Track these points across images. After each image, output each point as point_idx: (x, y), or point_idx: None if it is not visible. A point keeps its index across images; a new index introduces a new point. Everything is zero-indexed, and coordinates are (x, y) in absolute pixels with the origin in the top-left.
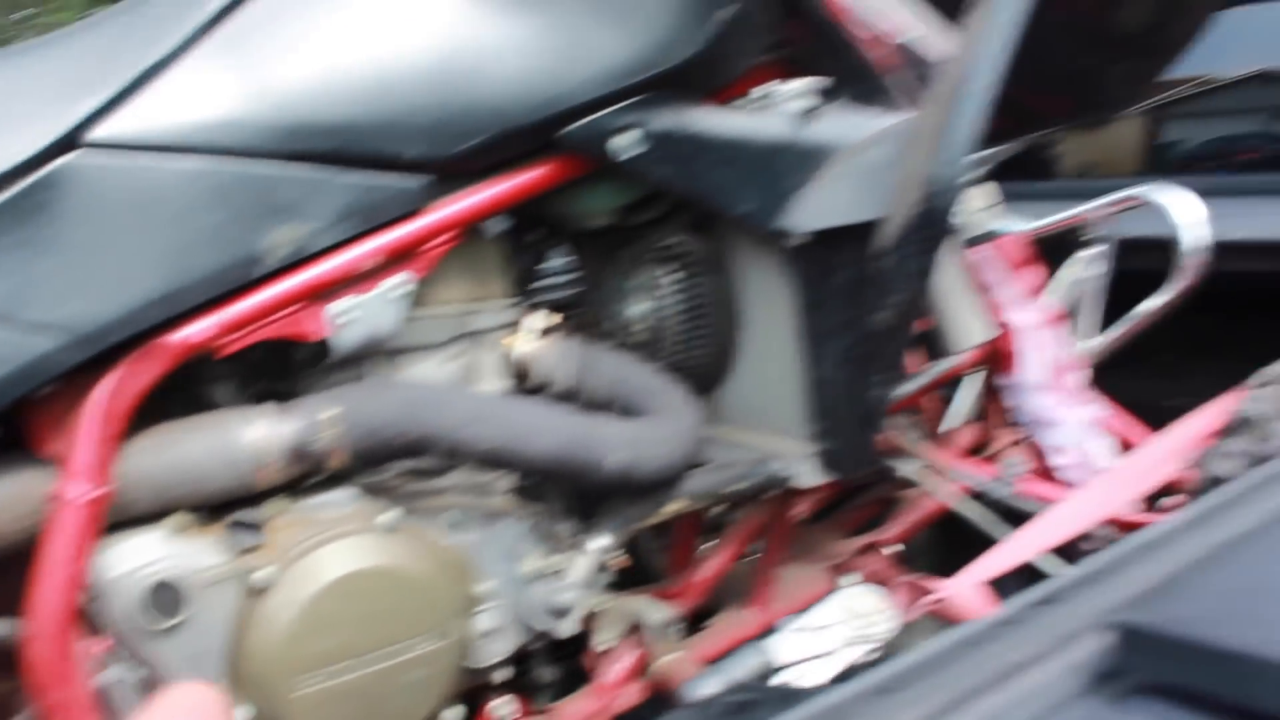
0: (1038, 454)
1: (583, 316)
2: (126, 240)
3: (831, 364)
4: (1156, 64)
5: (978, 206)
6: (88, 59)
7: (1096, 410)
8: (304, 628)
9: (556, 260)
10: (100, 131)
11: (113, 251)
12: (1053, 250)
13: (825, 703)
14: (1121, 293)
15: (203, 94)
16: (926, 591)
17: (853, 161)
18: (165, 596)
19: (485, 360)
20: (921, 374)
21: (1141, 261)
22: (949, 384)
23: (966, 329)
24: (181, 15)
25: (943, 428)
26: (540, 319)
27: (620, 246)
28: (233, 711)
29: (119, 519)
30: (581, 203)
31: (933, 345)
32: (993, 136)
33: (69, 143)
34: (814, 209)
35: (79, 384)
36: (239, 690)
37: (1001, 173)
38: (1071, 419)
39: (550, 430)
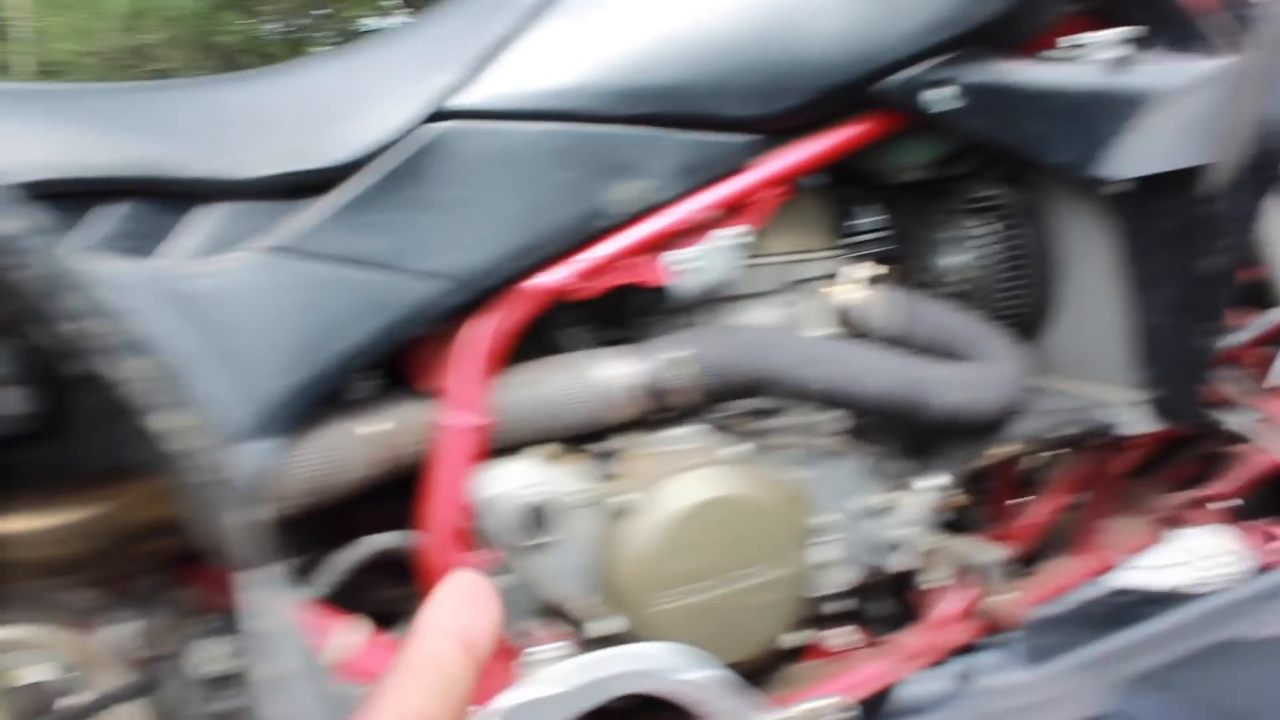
0: None
1: (899, 268)
2: (490, 198)
3: (1157, 311)
4: None
5: None
6: (443, 39)
7: None
8: (662, 549)
9: (872, 214)
10: (459, 102)
11: (479, 208)
12: None
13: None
14: None
15: (546, 64)
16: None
17: (1172, 108)
18: (538, 517)
19: (810, 308)
20: (1252, 325)
21: None
22: None
23: None
24: None
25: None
26: (861, 269)
27: (934, 199)
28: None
29: (494, 447)
30: (897, 157)
31: (1264, 297)
32: None
33: (434, 114)
34: (1134, 155)
35: (454, 326)
36: (605, 603)
37: None
38: None
39: (883, 371)
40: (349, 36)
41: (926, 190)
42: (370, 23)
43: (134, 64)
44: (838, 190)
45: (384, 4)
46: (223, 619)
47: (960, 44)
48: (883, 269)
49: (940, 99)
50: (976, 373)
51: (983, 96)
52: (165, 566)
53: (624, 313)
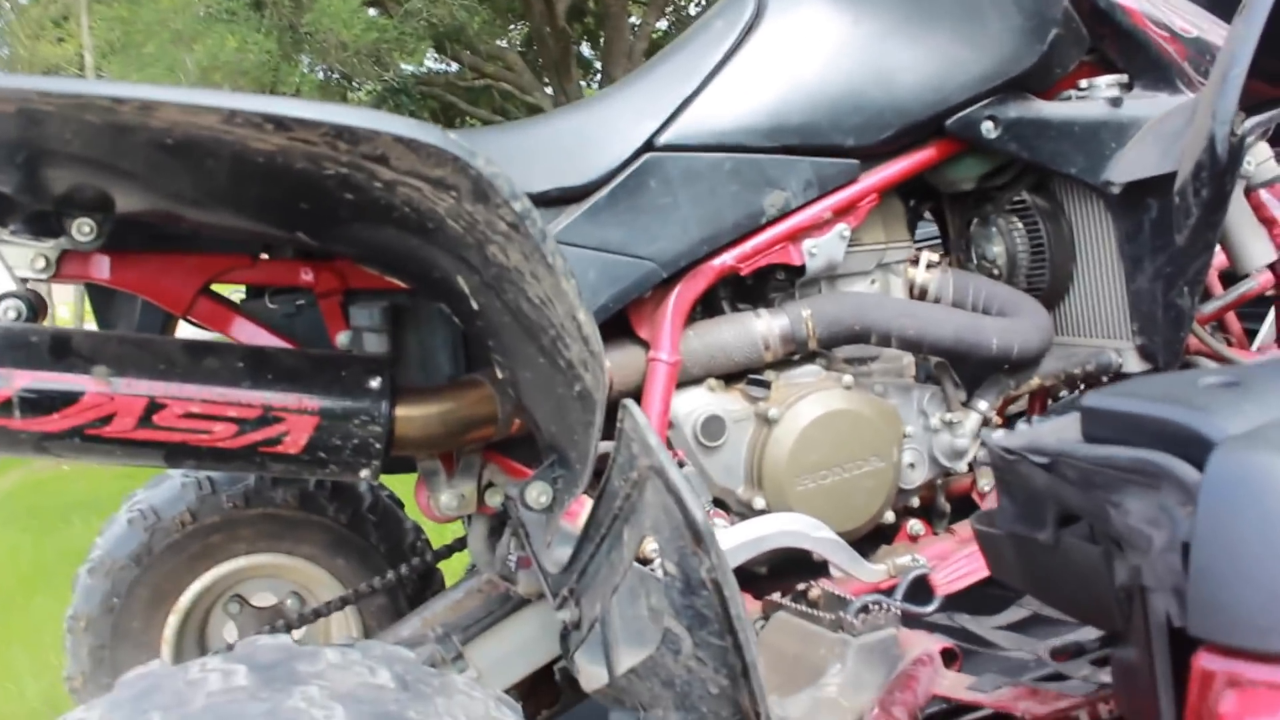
0: None
1: (955, 254)
2: (683, 205)
3: (1147, 278)
4: None
5: (1261, 157)
6: (645, 95)
7: None
8: (799, 447)
9: (936, 214)
10: (662, 140)
11: (676, 212)
12: None
13: None
14: None
15: (718, 112)
16: None
17: (1153, 131)
18: (712, 426)
19: (893, 283)
20: (1228, 293)
21: None
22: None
23: (1253, 252)
24: (703, 56)
25: (1256, 344)
26: (929, 255)
27: (981, 204)
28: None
29: (682, 380)
30: (955, 172)
31: (1231, 280)
32: (1269, 102)
33: (646, 148)
34: (1126, 165)
35: (660, 293)
36: (756, 488)
37: None
38: None
39: (952, 323)
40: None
41: (975, 196)
42: (408, 66)
43: None
44: (911, 197)
45: (416, 51)
46: (549, 470)
47: (1004, 89)
48: (941, 255)
49: (990, 129)
50: (1017, 324)
51: (1018, 127)
52: (478, 450)
53: (771, 284)
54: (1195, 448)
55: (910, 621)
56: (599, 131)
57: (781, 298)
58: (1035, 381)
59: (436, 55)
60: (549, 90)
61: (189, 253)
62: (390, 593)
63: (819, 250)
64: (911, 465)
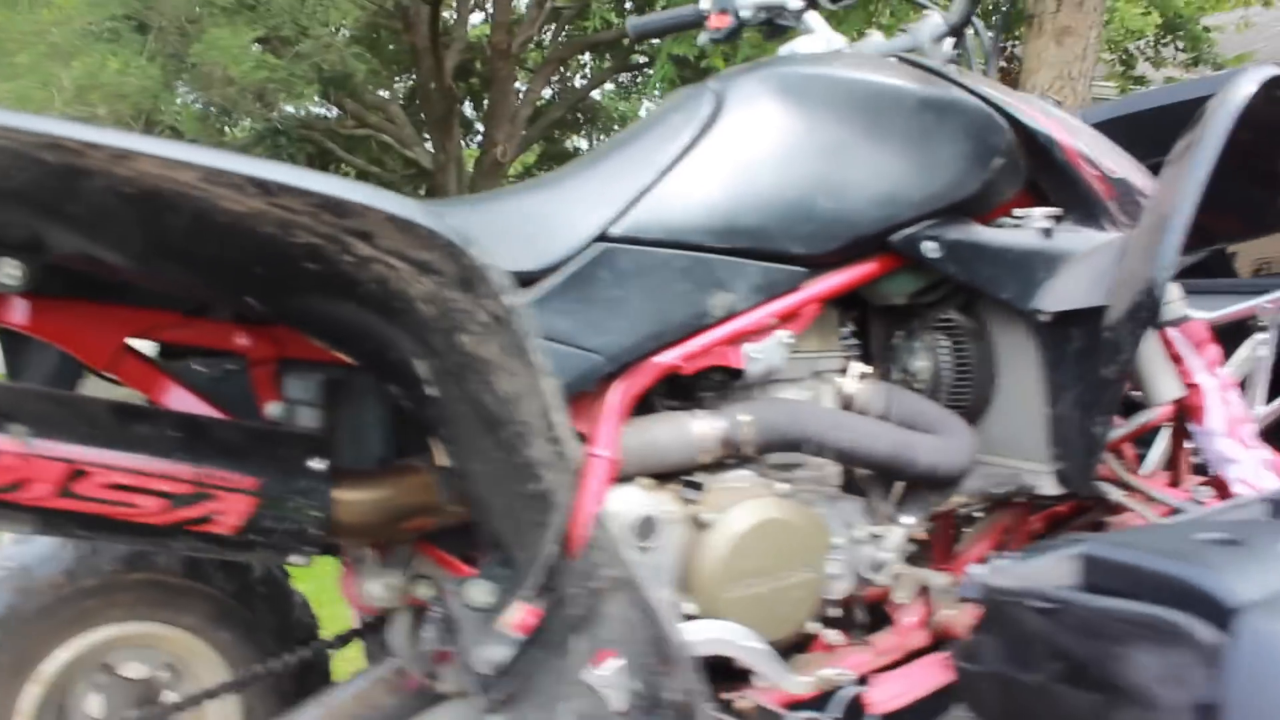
0: (1220, 486)
1: (883, 367)
2: (632, 299)
3: (1066, 405)
4: None
5: (1172, 298)
6: (600, 183)
7: (1266, 455)
8: (732, 553)
9: (868, 326)
10: (615, 231)
11: (625, 306)
12: (1233, 334)
13: None
14: None
15: (673, 208)
16: None
17: (1081, 264)
18: (644, 527)
19: (824, 391)
20: (1130, 422)
21: None
22: (1146, 440)
23: (1163, 387)
24: (659, 149)
25: (1143, 470)
26: (860, 367)
27: (907, 318)
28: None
29: (616, 476)
30: (890, 286)
31: (1134, 408)
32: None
33: (600, 238)
34: (1056, 296)
35: (601, 387)
36: (685, 592)
37: (1194, 272)
38: (1247, 459)
39: (886, 438)
40: (265, 119)
41: (905, 312)
42: (290, 107)
43: None
44: (845, 309)
45: (304, 91)
46: (493, 568)
47: (946, 212)
48: (871, 367)
49: (931, 249)
50: (946, 443)
51: (956, 248)
52: (411, 540)
53: (707, 386)
54: (1209, 608)
55: None
56: (553, 216)
57: (714, 398)
58: (956, 499)
59: (319, 100)
60: (429, 146)
61: (115, 304)
62: (276, 675)
63: (761, 355)
64: (836, 576)
